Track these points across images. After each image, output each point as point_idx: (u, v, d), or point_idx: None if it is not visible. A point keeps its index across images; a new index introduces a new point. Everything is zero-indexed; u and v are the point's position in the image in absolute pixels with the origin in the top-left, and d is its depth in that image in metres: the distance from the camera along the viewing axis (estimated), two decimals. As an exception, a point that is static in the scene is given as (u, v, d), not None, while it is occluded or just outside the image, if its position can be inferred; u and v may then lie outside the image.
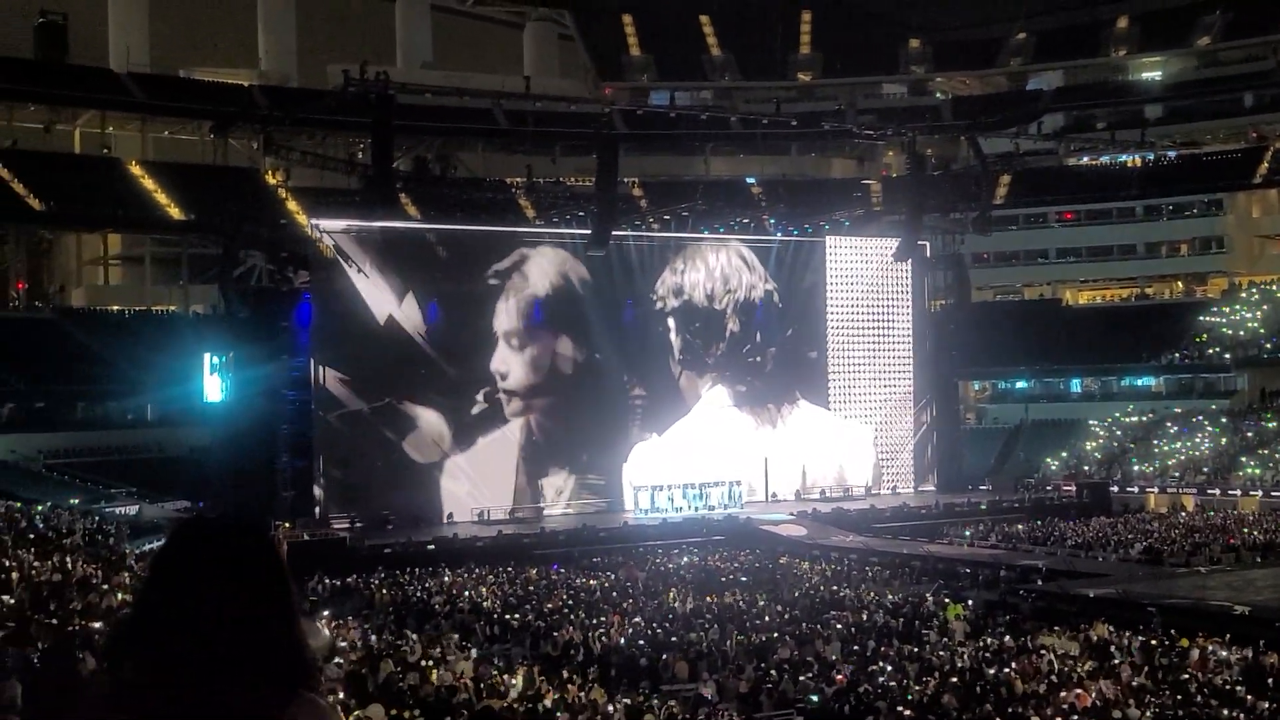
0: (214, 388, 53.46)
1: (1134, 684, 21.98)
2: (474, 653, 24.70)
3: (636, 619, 29.85)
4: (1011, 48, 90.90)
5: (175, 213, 67.33)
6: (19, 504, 42.21)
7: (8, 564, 27.30)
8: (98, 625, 17.33)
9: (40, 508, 42.45)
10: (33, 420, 57.85)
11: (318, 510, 50.21)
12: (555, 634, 27.95)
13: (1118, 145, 79.20)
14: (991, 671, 22.74)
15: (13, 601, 22.07)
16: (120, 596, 24.28)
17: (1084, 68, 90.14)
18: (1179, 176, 79.83)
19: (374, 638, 25.45)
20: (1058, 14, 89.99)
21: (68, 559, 29.98)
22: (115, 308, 69.04)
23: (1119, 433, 68.93)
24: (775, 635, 27.44)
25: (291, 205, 65.81)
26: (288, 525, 46.41)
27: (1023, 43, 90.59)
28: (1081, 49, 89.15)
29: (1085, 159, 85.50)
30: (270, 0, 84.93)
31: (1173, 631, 27.50)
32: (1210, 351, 71.05)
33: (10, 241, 69.90)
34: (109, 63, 75.32)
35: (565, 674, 22.63)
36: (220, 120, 71.02)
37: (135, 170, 68.71)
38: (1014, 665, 23.40)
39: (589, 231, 55.58)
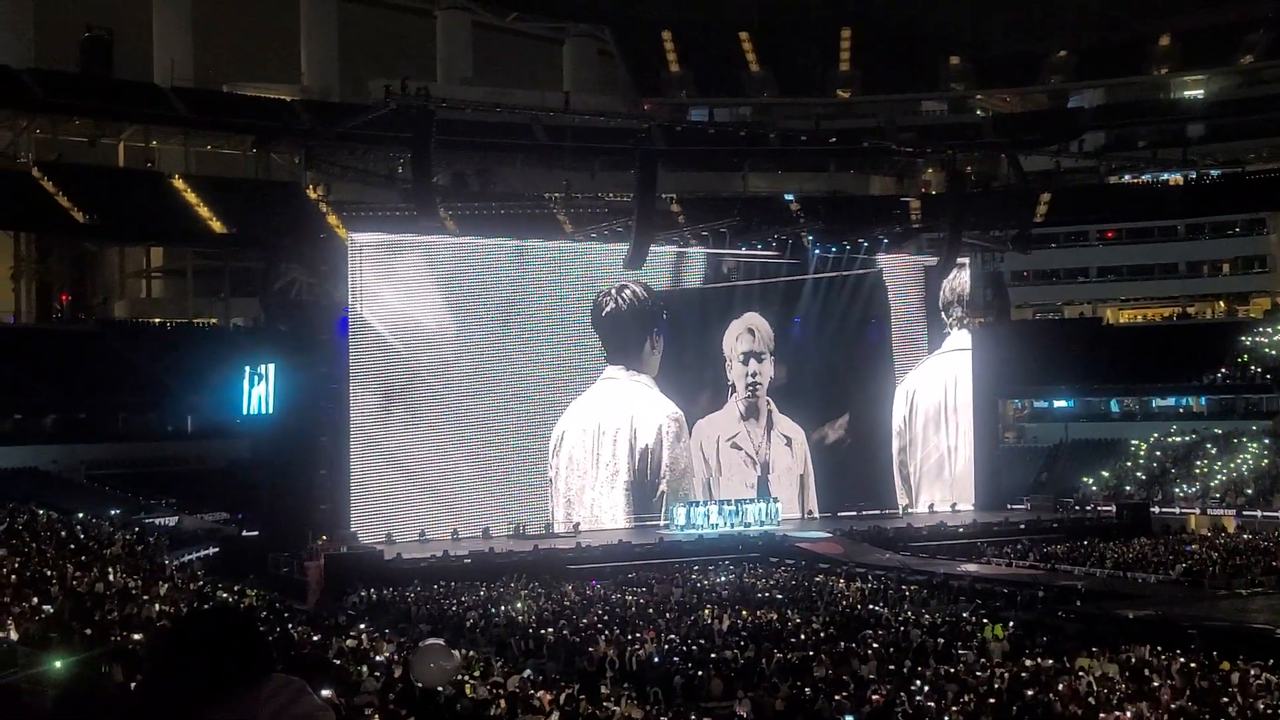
0: (254, 400, 53.75)
1: (1174, 707, 21.77)
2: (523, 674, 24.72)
3: (672, 635, 29.81)
4: (1052, 65, 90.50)
5: (217, 226, 67.86)
6: (60, 514, 42.60)
7: (49, 574, 27.57)
8: (137, 636, 17.45)
9: (81, 518, 42.81)
10: (74, 431, 58.41)
11: (355, 523, 50.33)
12: (590, 649, 27.93)
13: (1159, 164, 78.73)
14: (1030, 693, 22.57)
15: (53, 611, 22.27)
16: (158, 608, 24.47)
17: (1126, 85, 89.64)
18: (1221, 195, 79.18)
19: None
20: (1099, 31, 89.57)
21: (108, 570, 30.24)
22: (157, 320, 69.68)
23: (1159, 453, 68.36)
24: (811, 654, 27.33)
25: (332, 219, 66.21)
26: (324, 538, 46.58)
27: (1064, 60, 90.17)
28: (1123, 67, 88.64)
29: (1126, 177, 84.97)
30: (312, 17, 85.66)
31: (1214, 654, 27.22)
32: (1252, 371, 70.40)
33: (54, 254, 70.65)
34: (153, 78, 76.07)
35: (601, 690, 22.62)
36: (262, 135, 71.61)
37: (178, 184, 69.29)
38: (1053, 687, 23.22)
39: (627, 247, 55.55)
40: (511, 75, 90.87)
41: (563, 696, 20.62)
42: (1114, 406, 75.20)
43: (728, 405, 60.22)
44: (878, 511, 60.36)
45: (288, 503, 48.82)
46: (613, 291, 57.51)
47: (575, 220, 70.69)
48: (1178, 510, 62.40)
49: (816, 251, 62.53)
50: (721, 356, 60.34)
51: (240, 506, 52.70)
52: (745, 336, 60.75)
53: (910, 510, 62.12)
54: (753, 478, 59.97)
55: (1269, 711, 21.54)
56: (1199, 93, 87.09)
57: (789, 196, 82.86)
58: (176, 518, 50.96)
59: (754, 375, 60.65)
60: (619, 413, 57.04)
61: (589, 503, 56.11)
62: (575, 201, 72.63)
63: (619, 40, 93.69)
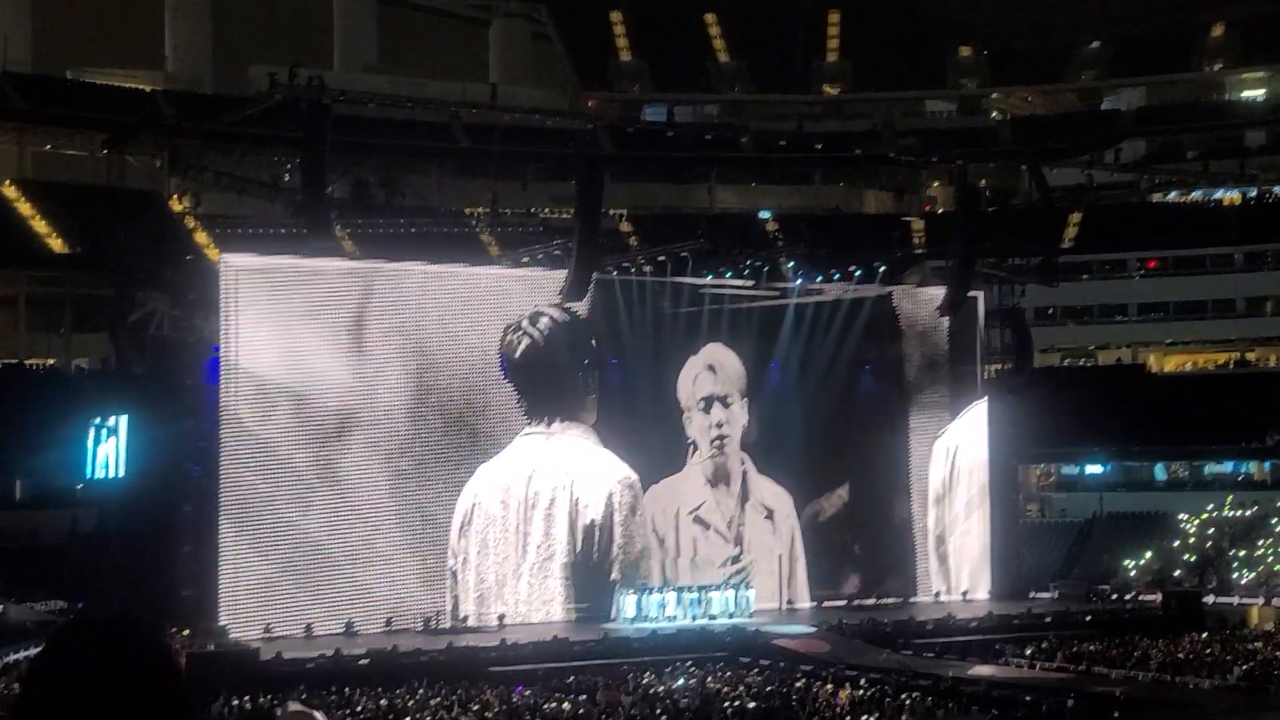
0: (100, 461, 53.12)
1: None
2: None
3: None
4: (1083, 59, 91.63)
5: (57, 244, 67.29)
6: None
7: None
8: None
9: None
10: (-125, 498, 57.65)
11: (225, 614, 49.76)
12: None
13: (1212, 179, 79.71)
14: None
15: None
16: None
17: (1171, 84, 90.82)
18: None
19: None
20: (1140, 20, 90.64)
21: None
22: (-19, 361, 68.93)
23: (1214, 530, 68.76)
24: (791, 777, 27.23)
25: (201, 237, 65.84)
26: (187, 632, 46.07)
27: (1097, 53, 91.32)
28: (1168, 62, 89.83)
29: (1173, 195, 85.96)
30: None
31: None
32: (1326, 432, 71.26)
33: None
34: (-19, 61, 75.65)
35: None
36: (116, 132, 71.20)
37: (9, 192, 68.75)
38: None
39: (565, 274, 55.48)
40: (426, 63, 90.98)
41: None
42: (1159, 473, 75.70)
43: (689, 467, 59.68)
44: (872, 601, 60.28)
45: (141, 588, 48.24)
46: (523, 324, 55.71)
47: (503, 241, 70.76)
48: (1236, 600, 62.73)
49: (799, 281, 62.67)
50: (678, 406, 59.94)
51: (81, 593, 52.00)
52: (705, 377, 59.85)
53: (914, 600, 61.98)
54: (724, 558, 59.39)
55: None
56: (1259, 93, 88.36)
57: (765, 214, 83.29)
58: (1, 606, 50.23)
59: (719, 426, 59.67)
60: (554, 477, 56.31)
61: (512, 599, 55.26)
62: (503, 218, 72.75)
63: (558, 21, 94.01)
